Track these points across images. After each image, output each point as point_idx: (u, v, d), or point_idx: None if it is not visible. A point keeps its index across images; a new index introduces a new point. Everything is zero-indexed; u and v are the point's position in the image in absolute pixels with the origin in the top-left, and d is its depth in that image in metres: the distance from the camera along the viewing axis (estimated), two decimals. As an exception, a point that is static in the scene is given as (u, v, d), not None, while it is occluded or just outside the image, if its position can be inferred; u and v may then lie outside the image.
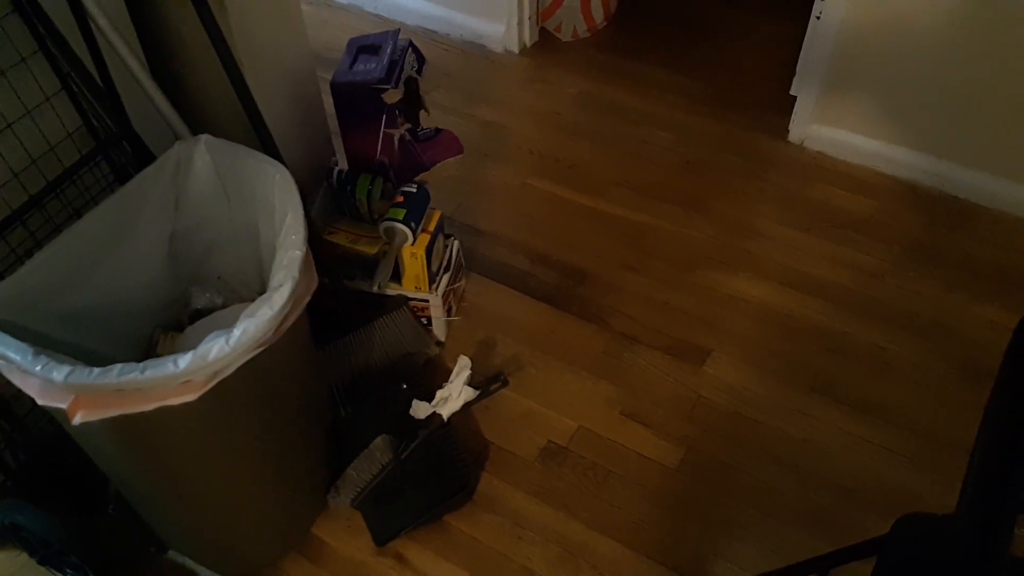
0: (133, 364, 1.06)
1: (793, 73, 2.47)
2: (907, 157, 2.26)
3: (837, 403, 1.78)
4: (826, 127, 2.35)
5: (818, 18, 2.19)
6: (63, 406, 1.07)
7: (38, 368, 1.05)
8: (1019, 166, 2.12)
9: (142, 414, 1.09)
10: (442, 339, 1.91)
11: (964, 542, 0.89)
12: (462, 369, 1.65)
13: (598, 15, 2.85)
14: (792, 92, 2.46)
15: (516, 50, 2.78)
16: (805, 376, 1.83)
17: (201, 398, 1.10)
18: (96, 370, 1.05)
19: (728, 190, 2.28)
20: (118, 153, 1.52)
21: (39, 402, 1.09)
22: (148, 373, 1.06)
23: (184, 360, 1.07)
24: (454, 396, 1.63)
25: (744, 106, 2.55)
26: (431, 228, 1.75)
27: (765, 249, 2.11)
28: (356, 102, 1.72)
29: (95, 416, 1.08)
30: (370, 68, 1.70)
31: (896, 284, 2.02)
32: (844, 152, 2.35)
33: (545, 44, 2.84)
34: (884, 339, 1.90)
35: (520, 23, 2.72)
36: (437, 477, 1.60)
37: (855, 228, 2.16)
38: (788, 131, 2.41)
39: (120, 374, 1.05)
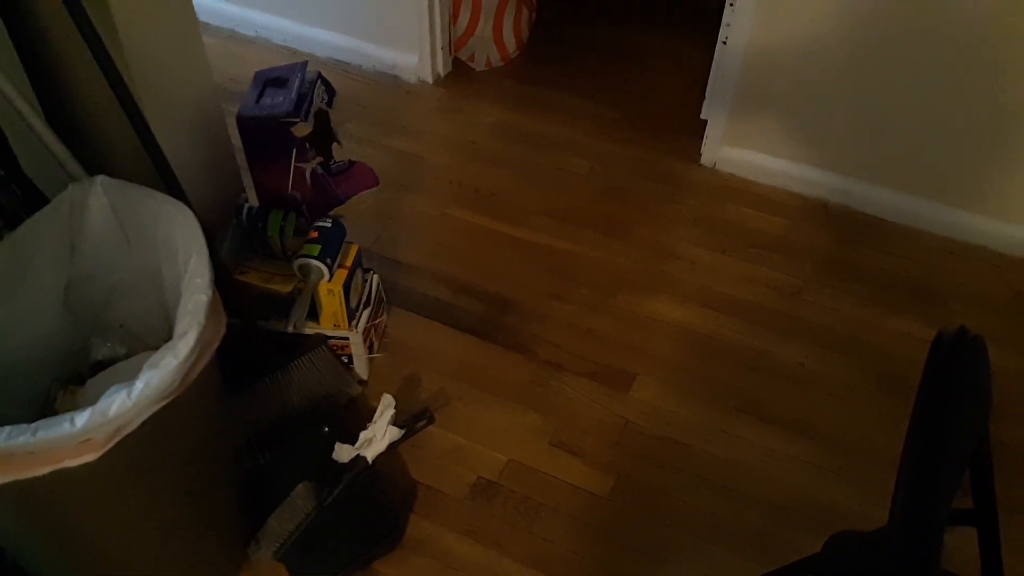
0: (23, 426, 0.98)
1: (703, 97, 2.52)
2: (816, 176, 2.32)
3: (762, 421, 1.79)
4: (736, 149, 2.40)
5: (724, 43, 2.24)
6: (-55, 475, 0.98)
7: (-85, 435, 0.97)
8: (923, 181, 2.20)
9: (37, 478, 1.01)
10: (364, 377, 1.85)
11: (896, 557, 0.89)
12: (386, 408, 1.60)
13: (510, 44, 2.86)
14: (703, 116, 2.51)
15: (430, 80, 2.76)
16: (729, 396, 1.84)
17: (102, 457, 1.03)
18: (-19, 434, 0.97)
19: (645, 214, 2.30)
20: (7, 196, 1.43)
21: (-83, 472, 1.00)
22: (41, 434, 0.98)
23: (82, 418, 1.00)
24: (379, 437, 1.58)
25: (657, 131, 2.58)
26: (348, 263, 1.71)
27: (684, 271, 2.13)
28: (264, 136, 1.67)
29: (-18, 484, 1.00)
30: (278, 101, 1.65)
31: (811, 300, 2.06)
32: (755, 173, 2.40)
33: (459, 74, 2.83)
34: (803, 355, 1.93)
35: (433, 53, 2.71)
36: (364, 522, 1.54)
37: (769, 247, 2.20)
38: (700, 154, 2.46)
39: (9, 437, 0.97)
